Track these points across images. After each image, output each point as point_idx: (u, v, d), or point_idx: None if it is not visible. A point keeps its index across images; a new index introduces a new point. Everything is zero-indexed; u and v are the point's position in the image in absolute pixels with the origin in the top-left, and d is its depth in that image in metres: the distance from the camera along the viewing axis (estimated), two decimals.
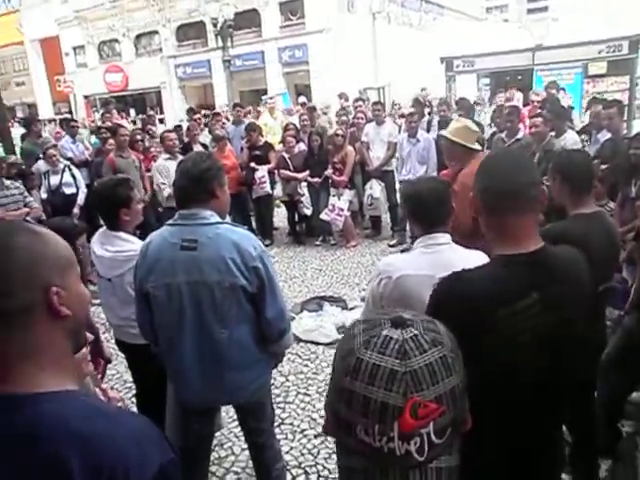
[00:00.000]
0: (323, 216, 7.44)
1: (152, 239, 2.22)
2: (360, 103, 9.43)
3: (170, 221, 2.18)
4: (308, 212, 7.72)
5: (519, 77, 12.89)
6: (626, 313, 3.01)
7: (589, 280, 1.47)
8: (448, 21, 28.37)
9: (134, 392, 3.40)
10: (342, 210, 7.33)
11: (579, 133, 6.15)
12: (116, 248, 2.71)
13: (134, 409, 3.20)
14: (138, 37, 25.97)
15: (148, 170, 7.12)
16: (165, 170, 6.22)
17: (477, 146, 3.79)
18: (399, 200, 7.63)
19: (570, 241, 1.54)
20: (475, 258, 2.17)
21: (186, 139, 8.05)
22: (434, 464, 0.72)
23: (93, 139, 9.74)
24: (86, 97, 26.81)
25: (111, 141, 7.29)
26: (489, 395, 1.15)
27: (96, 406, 0.95)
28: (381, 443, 0.70)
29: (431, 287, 2.13)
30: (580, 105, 11.16)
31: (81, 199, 7.04)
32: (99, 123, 11.53)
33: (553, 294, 1.31)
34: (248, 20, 21.59)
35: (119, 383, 4.25)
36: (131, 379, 3.82)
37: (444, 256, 2.15)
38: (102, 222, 2.84)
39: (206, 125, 9.72)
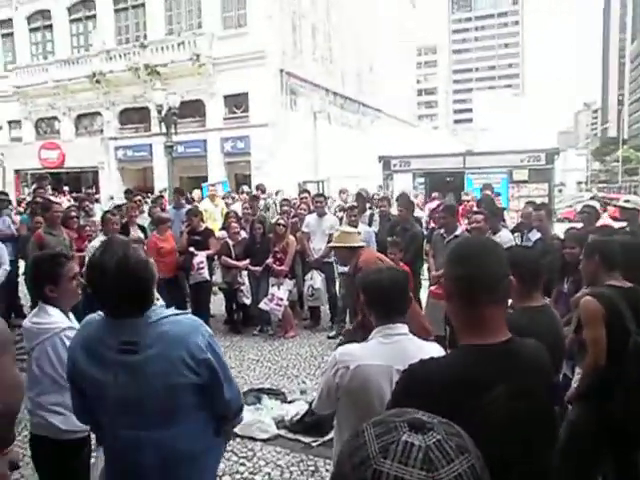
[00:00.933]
0: (262, 305, 7.27)
1: (89, 322, 1.96)
2: (305, 195, 9.60)
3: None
4: (247, 301, 7.54)
5: (451, 179, 13.73)
6: (569, 403, 3.03)
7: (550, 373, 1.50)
8: (384, 124, 30.44)
9: None
10: (281, 300, 7.20)
11: (512, 232, 6.48)
12: (35, 319, 2.54)
13: None
14: (79, 117, 25.94)
15: (80, 250, 6.79)
16: None
17: (360, 243, 4.76)
18: (339, 291, 7.63)
19: (521, 333, 1.54)
20: (432, 349, 2.17)
21: (124, 220, 7.83)
22: None
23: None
24: (17, 172, 25.98)
25: (38, 218, 6.99)
26: None
27: None
28: None
29: (389, 377, 2.08)
30: (507, 206, 11.96)
31: (2, 275, 6.56)
32: (28, 198, 11.09)
33: (520, 385, 1.29)
34: (193, 109, 22.15)
35: None
36: None
37: (402, 346, 2.14)
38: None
39: (153, 203, 9.57)
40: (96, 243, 6.24)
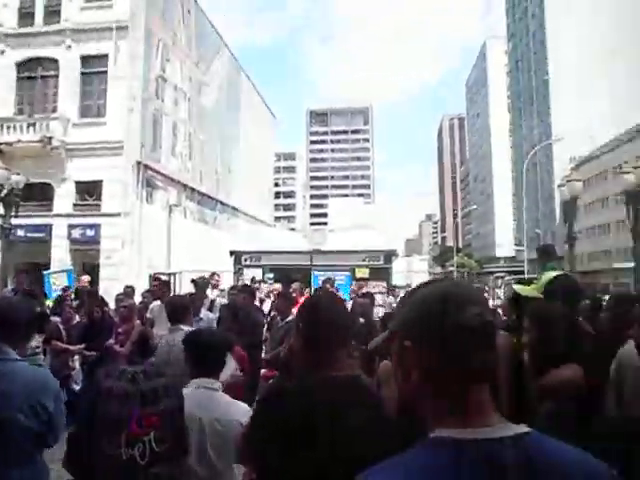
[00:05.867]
0: None
1: None
2: (155, 283, 9.50)
3: None
4: (77, 387, 7.12)
5: (298, 275, 14.50)
6: None
7: None
8: (241, 222, 31.32)
9: None
10: None
11: None
12: None
13: None
14: None
15: None
16: None
17: None
18: None
19: None
20: (238, 406, 2.42)
21: None
22: (155, 469, 0.88)
23: None
24: None
25: None
26: None
27: None
28: (112, 451, 0.86)
29: (198, 427, 2.25)
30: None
31: None
32: None
33: None
34: (39, 192, 21.04)
35: None
36: None
37: (207, 396, 2.32)
38: None
39: None
40: None
